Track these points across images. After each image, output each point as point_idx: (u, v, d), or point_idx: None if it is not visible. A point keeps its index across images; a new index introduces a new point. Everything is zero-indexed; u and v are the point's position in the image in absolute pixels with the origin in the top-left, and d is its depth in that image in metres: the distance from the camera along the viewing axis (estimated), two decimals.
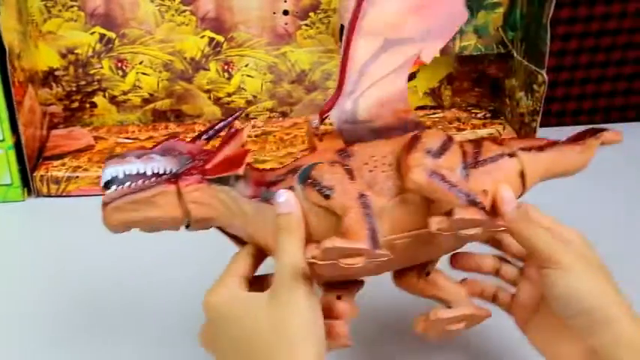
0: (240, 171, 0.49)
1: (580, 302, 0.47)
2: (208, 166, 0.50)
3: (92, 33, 0.90)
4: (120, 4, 0.89)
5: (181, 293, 0.69)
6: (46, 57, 0.91)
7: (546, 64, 0.84)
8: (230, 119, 0.55)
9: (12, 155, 0.82)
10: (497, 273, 0.57)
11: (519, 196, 0.54)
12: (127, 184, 0.49)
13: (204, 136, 0.53)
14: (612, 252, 0.62)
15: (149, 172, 0.49)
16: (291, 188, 0.49)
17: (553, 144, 0.56)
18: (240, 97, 0.96)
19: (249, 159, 0.50)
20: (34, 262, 0.75)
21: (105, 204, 0.50)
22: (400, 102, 0.53)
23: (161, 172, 0.50)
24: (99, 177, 0.83)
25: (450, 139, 0.52)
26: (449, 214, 0.46)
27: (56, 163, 0.87)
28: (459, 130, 0.94)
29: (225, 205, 0.50)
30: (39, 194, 0.86)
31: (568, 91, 1.00)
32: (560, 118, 1.02)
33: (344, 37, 0.51)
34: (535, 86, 0.87)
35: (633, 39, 0.96)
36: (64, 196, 0.85)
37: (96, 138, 0.93)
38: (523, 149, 0.54)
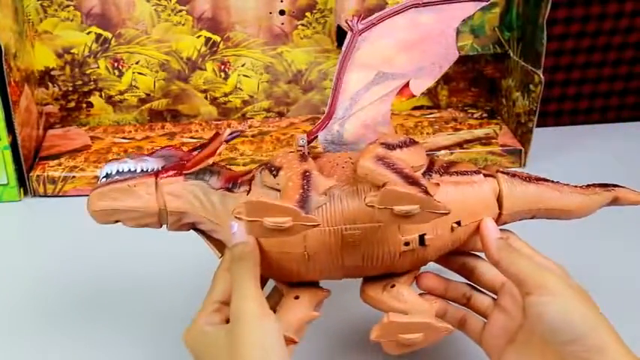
0: (210, 160, 0.52)
1: (574, 328, 0.46)
2: (187, 164, 0.53)
3: (88, 33, 0.90)
4: (116, 3, 0.89)
5: (181, 292, 0.69)
6: (42, 57, 0.91)
7: (543, 64, 0.85)
8: (228, 138, 0.55)
9: (8, 155, 0.82)
10: (467, 301, 0.55)
11: (498, 223, 0.53)
12: (115, 176, 0.54)
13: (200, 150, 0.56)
14: (604, 253, 0.63)
15: (139, 170, 0.53)
16: (253, 178, 0.52)
17: (549, 181, 0.55)
18: (237, 97, 0.96)
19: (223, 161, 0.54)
20: (30, 262, 0.75)
21: (91, 191, 0.54)
22: (383, 125, 0.55)
23: (149, 170, 0.54)
24: (95, 177, 0.84)
25: (414, 141, 0.52)
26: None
27: (52, 163, 0.87)
28: (456, 130, 0.94)
29: (198, 199, 0.53)
30: (35, 194, 0.85)
31: (564, 91, 1.00)
32: (556, 118, 1.02)
33: (337, 66, 0.53)
34: (531, 86, 0.87)
35: (629, 39, 0.97)
36: (61, 196, 0.85)
37: (92, 138, 0.93)
38: (504, 173, 0.54)
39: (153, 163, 0.54)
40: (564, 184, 0.56)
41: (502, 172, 0.55)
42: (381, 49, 0.53)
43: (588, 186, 0.57)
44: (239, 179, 0.54)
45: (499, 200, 0.54)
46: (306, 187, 0.47)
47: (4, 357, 0.63)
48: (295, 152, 0.52)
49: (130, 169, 0.54)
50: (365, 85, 0.54)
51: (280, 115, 0.98)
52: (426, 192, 0.45)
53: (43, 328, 0.66)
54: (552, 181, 0.56)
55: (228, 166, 0.56)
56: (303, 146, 0.54)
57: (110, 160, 0.55)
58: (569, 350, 0.46)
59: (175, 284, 0.70)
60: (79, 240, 0.77)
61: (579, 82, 1.00)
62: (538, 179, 0.55)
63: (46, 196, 0.85)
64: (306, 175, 0.48)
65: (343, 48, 0.53)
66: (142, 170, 0.54)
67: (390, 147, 0.50)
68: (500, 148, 0.91)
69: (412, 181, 0.46)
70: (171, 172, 0.53)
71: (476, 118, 0.98)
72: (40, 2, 0.88)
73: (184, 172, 0.53)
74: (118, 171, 0.54)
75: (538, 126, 0.88)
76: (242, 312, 0.46)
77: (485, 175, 0.54)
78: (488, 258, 0.51)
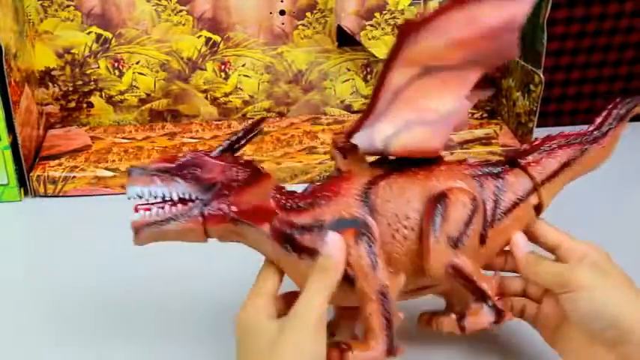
0: (266, 229, 0.51)
1: (605, 317, 0.48)
2: (234, 208, 0.51)
3: (89, 33, 0.90)
4: (116, 4, 0.89)
5: (182, 292, 0.69)
6: (42, 57, 0.91)
7: (543, 64, 0.85)
8: (253, 128, 0.54)
9: (8, 155, 0.82)
10: (523, 293, 0.57)
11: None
12: (155, 211, 0.51)
13: (225, 147, 0.53)
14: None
15: (175, 197, 0.51)
16: (315, 252, 0.51)
17: (569, 160, 0.56)
18: (237, 97, 0.96)
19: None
20: (30, 262, 0.75)
21: (136, 230, 0.51)
22: (430, 154, 0.54)
23: (186, 197, 0.51)
24: (96, 177, 0.84)
25: (474, 204, 0.52)
26: (460, 315, 0.53)
27: (53, 163, 0.87)
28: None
29: (251, 239, 0.53)
30: (36, 194, 0.85)
31: (565, 91, 1.00)
32: (557, 118, 1.02)
33: (383, 64, 0.50)
34: (532, 86, 0.87)
35: (629, 39, 0.97)
36: (61, 196, 0.85)
37: (93, 138, 0.93)
38: (544, 181, 0.55)
39: (188, 189, 0.51)
40: (584, 143, 0.57)
41: (543, 181, 0.56)
42: (431, 46, 0.49)
43: (602, 121, 0.58)
44: (293, 228, 0.52)
45: (538, 210, 0.56)
46: (387, 327, 0.50)
47: (4, 357, 0.63)
48: (362, 239, 0.51)
49: (164, 195, 0.51)
50: (409, 79, 0.50)
51: (281, 115, 0.98)
52: (500, 313, 0.53)
53: (43, 328, 0.66)
54: (572, 152, 0.57)
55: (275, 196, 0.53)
56: (344, 142, 0.54)
57: (134, 170, 0.51)
58: (603, 336, 0.49)
59: (176, 284, 0.70)
60: (79, 240, 0.77)
61: (579, 82, 1.00)
62: (563, 166, 0.56)
63: (46, 196, 0.85)
64: (383, 298, 0.50)
65: (393, 47, 0.49)
66: (180, 198, 0.51)
67: (456, 242, 0.51)
68: (501, 148, 0.91)
69: (484, 296, 0.53)
70: (218, 219, 0.51)
71: (476, 118, 0.98)
72: (40, 2, 0.88)
73: (232, 216, 0.51)
74: (150, 194, 0.51)
75: (538, 126, 0.88)
76: (304, 318, 0.48)
77: (529, 194, 0.55)
78: (520, 273, 0.54)
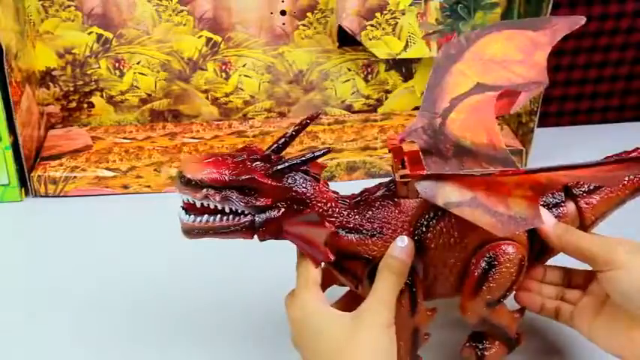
0: (315, 267, 0.52)
1: None
2: (286, 227, 0.51)
3: (89, 33, 0.90)
4: (117, 4, 0.89)
5: (183, 291, 0.69)
6: (43, 57, 0.91)
7: None
8: (303, 128, 0.54)
9: (9, 155, 0.82)
10: (562, 299, 0.58)
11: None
12: (206, 218, 0.51)
13: (275, 149, 0.53)
14: None
15: (227, 210, 0.51)
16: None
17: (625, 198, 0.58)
18: (238, 97, 0.96)
19: None
20: (31, 262, 0.75)
21: (186, 232, 0.52)
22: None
23: (239, 211, 0.51)
24: (97, 177, 0.85)
25: (521, 265, 0.53)
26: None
27: (54, 163, 0.87)
28: None
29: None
30: (36, 194, 0.85)
31: (566, 91, 1.00)
32: (558, 119, 1.02)
33: (436, 65, 0.55)
34: None
35: (630, 39, 0.97)
36: (62, 197, 0.85)
37: (93, 138, 0.93)
38: (593, 222, 0.57)
39: (238, 205, 0.50)
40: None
41: (593, 221, 0.57)
42: (480, 62, 0.55)
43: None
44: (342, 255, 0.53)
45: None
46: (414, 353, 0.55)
47: (4, 357, 0.63)
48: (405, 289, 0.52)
49: (216, 208, 0.50)
50: (466, 92, 0.54)
51: (281, 115, 0.98)
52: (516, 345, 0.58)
53: (44, 328, 0.66)
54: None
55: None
56: (402, 140, 0.55)
57: (183, 178, 0.49)
58: None
59: (177, 283, 0.70)
60: (80, 240, 0.78)
61: (580, 83, 1.00)
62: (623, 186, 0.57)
63: (47, 196, 0.85)
64: (414, 342, 0.54)
65: (441, 54, 0.55)
66: (232, 210, 0.50)
67: (493, 304, 0.53)
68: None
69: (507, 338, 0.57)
70: (268, 235, 0.51)
71: None
72: (41, 2, 0.88)
73: (283, 236, 0.52)
74: (202, 205, 0.50)
75: (539, 126, 0.88)
76: (377, 314, 0.50)
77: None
78: (553, 245, 0.54)
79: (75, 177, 0.85)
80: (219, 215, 0.51)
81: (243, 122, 0.96)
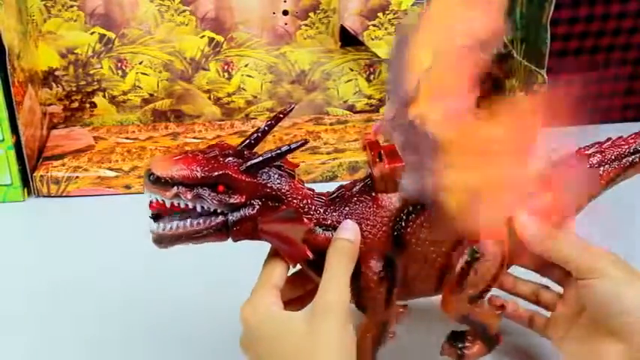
0: (292, 266, 0.51)
1: (622, 303, 0.49)
2: (261, 226, 0.49)
3: (92, 33, 0.90)
4: (119, 4, 0.89)
5: (183, 291, 0.69)
6: (45, 57, 0.91)
7: (546, 64, 0.84)
8: (275, 123, 0.53)
9: (12, 155, 0.82)
10: (536, 298, 0.58)
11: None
12: (176, 223, 0.48)
13: (248, 144, 0.52)
14: None
15: (198, 209, 0.48)
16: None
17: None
18: (240, 97, 0.96)
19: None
20: (33, 262, 0.75)
21: (157, 242, 0.50)
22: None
23: (211, 210, 0.48)
24: (99, 177, 0.85)
25: (503, 260, 0.52)
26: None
27: (56, 163, 0.87)
28: None
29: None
30: (39, 194, 0.85)
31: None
32: None
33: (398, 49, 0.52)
34: (535, 86, 0.87)
35: (633, 39, 0.97)
36: (64, 197, 0.85)
37: (96, 138, 0.93)
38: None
39: (211, 204, 0.48)
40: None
41: None
42: (436, 29, 0.54)
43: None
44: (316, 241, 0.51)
45: None
46: (374, 351, 0.53)
47: (4, 357, 0.63)
48: (384, 281, 0.51)
49: (187, 206, 0.48)
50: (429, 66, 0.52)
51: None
52: (496, 344, 0.57)
53: (44, 328, 0.66)
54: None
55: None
56: (376, 132, 0.54)
57: (152, 175, 0.47)
58: (617, 322, 0.49)
59: (181, 283, 0.70)
60: (82, 240, 0.78)
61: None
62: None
63: (49, 196, 0.85)
64: (381, 333, 0.53)
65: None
66: (203, 209, 0.48)
67: (475, 298, 0.52)
68: None
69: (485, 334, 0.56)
70: (243, 235, 0.49)
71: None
72: (43, 2, 0.88)
73: (259, 235, 0.50)
74: (172, 204, 0.48)
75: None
76: (333, 304, 0.47)
77: None
78: (531, 249, 0.52)
79: (77, 177, 0.85)
80: (189, 219, 0.48)
81: (246, 122, 0.96)
